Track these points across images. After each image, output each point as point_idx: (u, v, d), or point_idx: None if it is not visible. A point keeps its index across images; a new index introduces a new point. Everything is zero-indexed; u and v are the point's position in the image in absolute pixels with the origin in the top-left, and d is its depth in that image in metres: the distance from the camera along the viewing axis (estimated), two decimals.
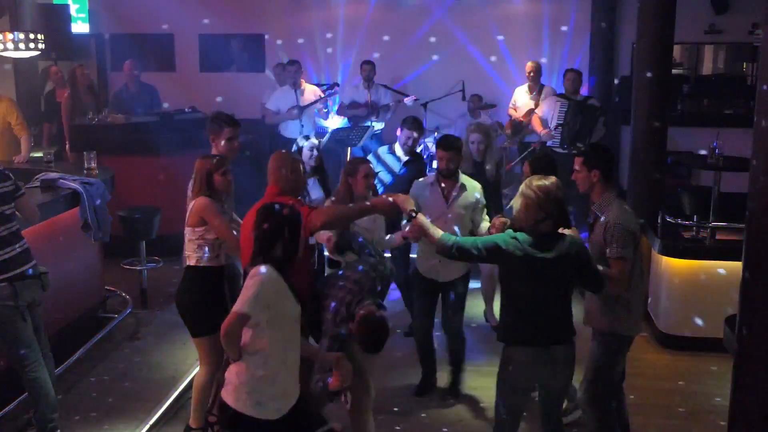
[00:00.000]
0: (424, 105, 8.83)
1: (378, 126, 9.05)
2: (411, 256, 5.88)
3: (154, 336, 6.22)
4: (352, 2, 10.90)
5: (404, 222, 4.51)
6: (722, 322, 4.49)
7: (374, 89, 9.09)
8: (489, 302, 6.41)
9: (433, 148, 7.76)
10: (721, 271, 5.82)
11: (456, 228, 4.84)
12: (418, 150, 6.60)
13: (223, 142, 4.94)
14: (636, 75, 6.91)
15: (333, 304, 3.81)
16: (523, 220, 3.68)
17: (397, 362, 5.64)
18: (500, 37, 10.56)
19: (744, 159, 4.95)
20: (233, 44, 11.49)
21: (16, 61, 9.62)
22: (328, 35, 10.94)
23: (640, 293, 4.25)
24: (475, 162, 5.99)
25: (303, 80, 8.94)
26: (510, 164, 8.81)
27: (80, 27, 10.65)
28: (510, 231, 3.73)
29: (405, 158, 6.04)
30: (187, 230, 4.41)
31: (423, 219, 3.95)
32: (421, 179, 5.26)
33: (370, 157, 5.93)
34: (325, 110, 9.19)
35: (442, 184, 5.04)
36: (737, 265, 3.70)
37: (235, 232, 4.36)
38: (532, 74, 9.04)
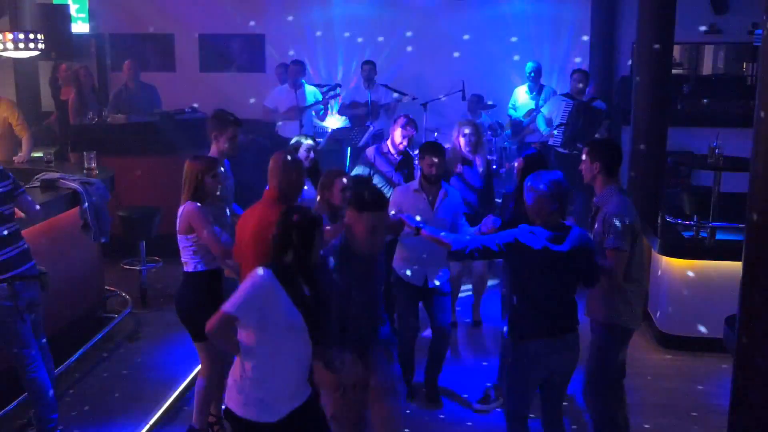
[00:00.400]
0: (424, 105, 8.83)
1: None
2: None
3: (154, 336, 6.21)
4: (353, 2, 10.90)
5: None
6: (722, 322, 4.49)
7: (374, 89, 9.09)
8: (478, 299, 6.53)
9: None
10: (721, 271, 5.81)
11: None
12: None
13: (225, 140, 4.96)
14: (636, 75, 6.91)
15: None
16: (538, 214, 3.78)
17: None
18: (500, 37, 10.56)
19: (744, 159, 4.95)
20: (233, 44, 11.49)
21: (16, 61, 9.61)
22: (328, 35, 10.94)
23: (640, 287, 4.26)
24: (464, 159, 5.96)
25: (304, 81, 8.94)
26: (510, 165, 8.80)
27: (80, 27, 10.64)
28: (525, 225, 3.80)
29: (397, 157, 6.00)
30: (180, 237, 4.40)
31: (430, 230, 4.07)
32: (401, 186, 5.23)
33: (362, 166, 5.90)
34: (322, 112, 9.18)
35: (427, 191, 5.02)
36: (737, 265, 3.70)
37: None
38: (532, 74, 9.04)
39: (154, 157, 7.82)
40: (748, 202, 3.50)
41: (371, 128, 8.72)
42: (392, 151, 6.01)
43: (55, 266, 5.07)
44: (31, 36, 7.50)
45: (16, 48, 7.42)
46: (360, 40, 10.79)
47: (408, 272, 5.07)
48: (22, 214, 4.60)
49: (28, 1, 9.14)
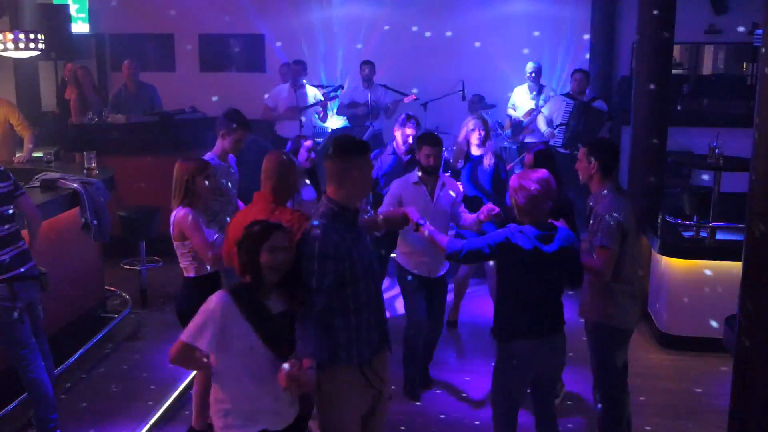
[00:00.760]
0: (424, 105, 8.83)
1: None
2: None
3: (154, 336, 6.22)
4: (353, 2, 10.90)
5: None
6: (722, 322, 4.49)
7: (374, 89, 9.09)
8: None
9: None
10: (721, 271, 5.82)
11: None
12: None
13: (231, 141, 5.08)
14: (636, 75, 6.91)
15: None
16: (530, 213, 3.75)
17: None
18: (501, 37, 10.56)
19: (744, 159, 4.96)
20: (233, 44, 11.49)
21: (16, 61, 9.63)
22: (328, 35, 10.95)
23: (633, 287, 4.25)
24: (471, 155, 5.98)
25: (305, 81, 8.95)
26: (510, 165, 8.80)
27: (80, 27, 10.67)
28: (514, 224, 3.78)
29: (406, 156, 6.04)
30: (176, 244, 4.38)
31: (430, 228, 4.03)
32: (401, 179, 5.24)
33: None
34: (323, 114, 9.18)
35: (426, 183, 5.04)
36: (737, 265, 3.70)
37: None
38: (533, 75, 9.03)
39: (154, 157, 7.82)
40: (748, 202, 3.50)
41: (371, 128, 8.72)
42: (400, 150, 6.04)
43: (55, 266, 5.07)
44: (32, 36, 7.52)
45: (17, 48, 7.45)
46: (359, 44, 10.79)
47: (408, 264, 5.11)
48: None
49: (28, 1, 9.16)
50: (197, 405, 4.52)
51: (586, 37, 10.48)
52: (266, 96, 9.01)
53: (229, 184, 5.22)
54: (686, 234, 6.22)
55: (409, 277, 5.13)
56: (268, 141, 8.82)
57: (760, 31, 3.50)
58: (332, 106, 9.49)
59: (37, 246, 4.64)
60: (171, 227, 4.36)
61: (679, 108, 10.43)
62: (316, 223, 3.26)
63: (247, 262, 3.14)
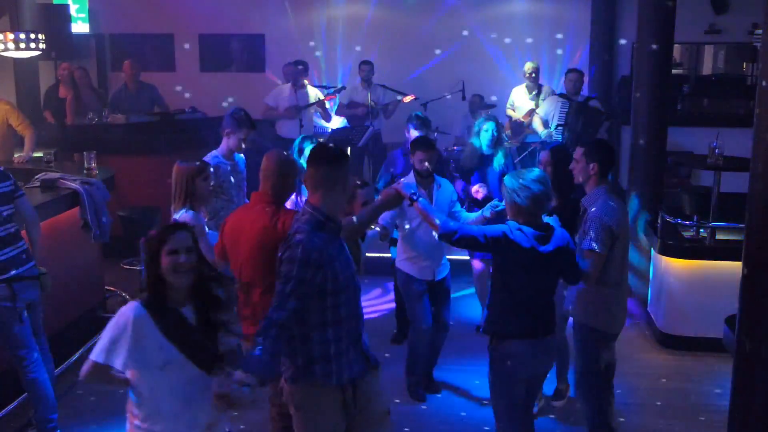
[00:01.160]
0: (424, 105, 8.83)
1: None
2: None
3: None
4: (352, 2, 10.90)
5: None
6: (722, 322, 4.49)
7: (373, 89, 9.09)
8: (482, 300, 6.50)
9: None
10: (721, 271, 5.81)
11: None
12: None
13: (236, 140, 5.18)
14: (636, 75, 6.91)
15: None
16: (534, 213, 3.72)
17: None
18: (500, 37, 10.56)
19: (744, 159, 4.95)
20: (233, 44, 11.50)
21: (17, 61, 9.61)
22: (328, 35, 10.95)
23: (620, 291, 4.23)
24: (482, 156, 6.00)
25: (307, 81, 8.94)
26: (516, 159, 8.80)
27: (80, 27, 10.66)
28: (513, 222, 3.73)
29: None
30: None
31: (424, 203, 3.88)
32: (396, 183, 5.22)
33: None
34: (324, 114, 9.18)
35: (421, 185, 5.03)
36: (737, 265, 3.69)
37: None
38: (533, 75, 9.03)
39: (154, 157, 7.82)
40: (748, 202, 3.50)
41: (371, 128, 8.72)
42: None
43: (55, 266, 5.07)
44: (32, 36, 7.52)
45: (17, 48, 7.44)
46: (359, 45, 10.78)
47: (411, 269, 5.11)
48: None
49: (28, 1, 9.14)
50: None
51: (586, 37, 10.48)
52: (267, 96, 9.00)
53: (233, 179, 5.27)
54: (686, 234, 6.22)
55: (415, 285, 5.12)
56: (267, 141, 8.83)
57: (760, 32, 3.49)
58: (333, 105, 9.49)
59: (39, 248, 4.63)
60: None
61: (679, 108, 10.43)
62: (299, 228, 3.16)
63: (151, 269, 2.95)
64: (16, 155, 7.22)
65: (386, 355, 5.71)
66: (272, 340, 3.02)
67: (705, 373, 5.68)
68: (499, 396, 3.88)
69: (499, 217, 4.45)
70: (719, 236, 6.07)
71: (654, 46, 6.61)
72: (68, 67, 9.11)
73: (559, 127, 8.21)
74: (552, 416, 5.01)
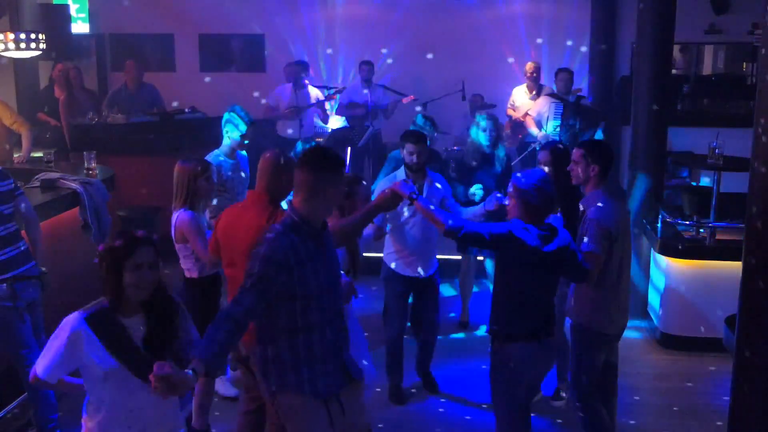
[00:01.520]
0: (424, 105, 8.83)
1: None
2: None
3: None
4: (352, 2, 10.89)
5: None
6: (722, 322, 4.49)
7: (373, 89, 9.08)
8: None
9: None
10: (721, 271, 5.81)
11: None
12: None
13: (238, 138, 5.26)
14: (636, 75, 6.90)
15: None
16: (543, 214, 3.72)
17: None
18: (500, 37, 10.55)
19: (744, 159, 4.95)
20: (233, 44, 11.49)
21: (17, 61, 9.61)
22: (328, 35, 10.94)
23: (618, 293, 4.22)
24: (483, 154, 6.00)
25: (308, 82, 8.94)
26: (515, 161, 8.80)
27: (80, 27, 10.66)
28: (518, 220, 3.73)
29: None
30: (178, 246, 4.38)
31: (424, 201, 3.88)
32: (388, 177, 5.21)
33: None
34: (323, 115, 9.18)
35: (413, 180, 4.99)
36: (737, 265, 3.69)
37: None
38: (534, 75, 9.03)
39: (154, 157, 7.81)
40: (748, 202, 3.50)
41: (370, 129, 8.72)
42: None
43: (55, 266, 5.06)
44: (32, 36, 7.50)
45: (17, 48, 7.42)
46: (359, 45, 10.78)
47: (396, 264, 5.07)
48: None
49: (28, 1, 9.14)
50: (197, 405, 4.51)
51: (586, 37, 10.48)
52: (268, 96, 9.00)
53: (235, 177, 5.32)
54: (686, 234, 6.22)
55: (396, 283, 5.08)
56: (267, 141, 8.83)
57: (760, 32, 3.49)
58: (333, 104, 9.49)
59: (41, 248, 4.62)
60: (173, 230, 4.36)
61: (679, 108, 10.42)
62: (273, 227, 3.14)
63: (108, 279, 2.88)
64: (15, 155, 7.22)
65: None
66: (225, 333, 2.96)
67: (705, 373, 5.68)
68: (500, 397, 3.88)
69: (499, 211, 4.43)
70: (719, 236, 6.07)
71: (654, 46, 6.61)
72: (62, 68, 9.11)
73: (557, 128, 8.21)
74: (552, 416, 5.01)
